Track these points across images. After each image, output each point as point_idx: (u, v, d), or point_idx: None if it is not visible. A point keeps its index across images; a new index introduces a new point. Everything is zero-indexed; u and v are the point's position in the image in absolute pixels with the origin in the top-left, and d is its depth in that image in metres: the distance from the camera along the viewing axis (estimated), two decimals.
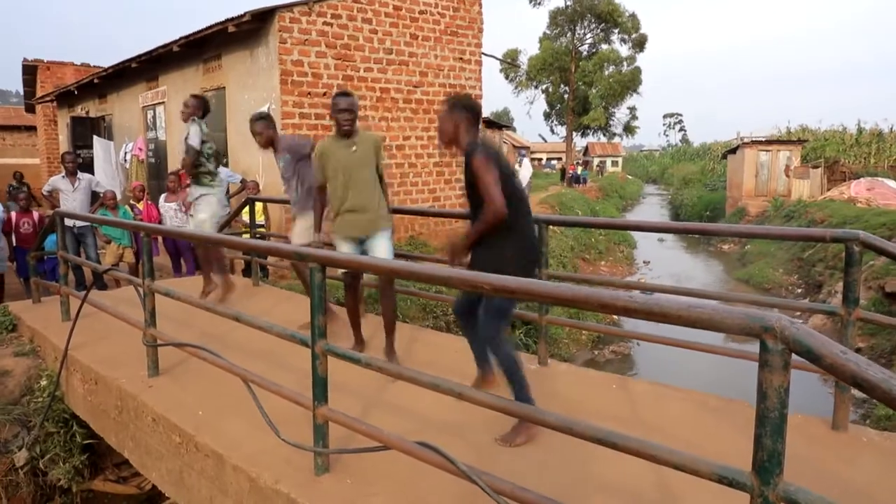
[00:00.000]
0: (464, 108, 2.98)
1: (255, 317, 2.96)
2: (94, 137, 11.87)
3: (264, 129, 4.63)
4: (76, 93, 13.90)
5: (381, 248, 3.89)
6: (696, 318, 1.47)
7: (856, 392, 3.05)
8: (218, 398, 3.40)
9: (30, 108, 19.80)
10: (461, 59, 10.38)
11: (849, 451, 2.73)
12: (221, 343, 4.29)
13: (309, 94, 8.45)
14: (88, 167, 12.61)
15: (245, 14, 7.73)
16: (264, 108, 8.36)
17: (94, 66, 17.28)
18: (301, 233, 4.58)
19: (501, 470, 2.58)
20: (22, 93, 20.12)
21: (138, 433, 3.59)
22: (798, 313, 9.30)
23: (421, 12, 9.74)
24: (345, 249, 3.87)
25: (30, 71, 17.87)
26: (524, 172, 19.62)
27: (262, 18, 8.02)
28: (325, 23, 8.50)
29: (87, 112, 14.16)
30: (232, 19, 7.91)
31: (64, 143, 15.05)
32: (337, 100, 3.75)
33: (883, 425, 5.65)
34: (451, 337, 4.87)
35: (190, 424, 3.15)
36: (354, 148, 3.80)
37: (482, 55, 10.87)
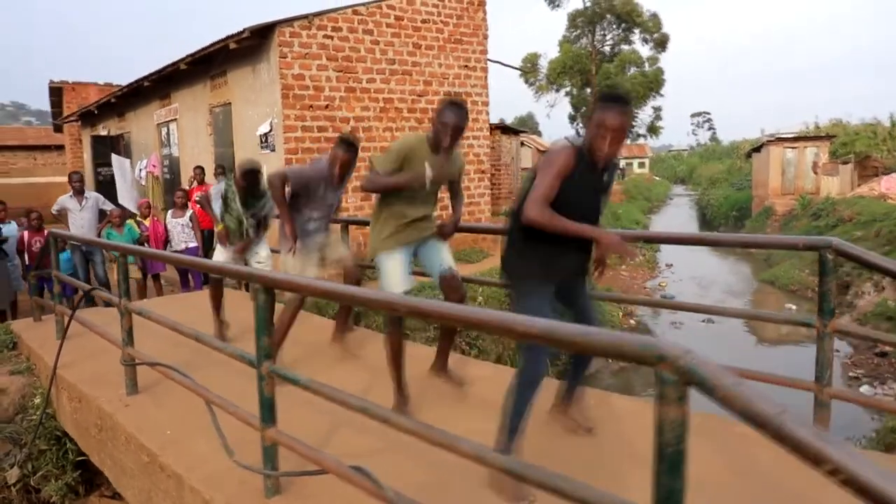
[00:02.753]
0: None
1: (212, 338, 2.94)
2: (112, 155, 12.14)
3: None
4: (97, 112, 14.26)
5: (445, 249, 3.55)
6: (593, 344, 1.38)
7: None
8: (189, 418, 3.38)
9: (58, 129, 20.40)
10: (466, 66, 10.33)
11: None
12: (210, 361, 4.29)
13: (311, 107, 8.49)
14: (109, 185, 12.91)
15: (244, 31, 7.81)
16: (265, 125, 8.43)
17: (117, 86, 17.71)
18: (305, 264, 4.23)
19: (458, 492, 2.51)
20: (50, 112, 20.72)
21: (115, 452, 3.60)
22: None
23: (423, 21, 9.73)
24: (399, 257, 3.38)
25: (56, 92, 18.41)
26: None
27: (262, 34, 8.10)
28: (325, 36, 8.54)
29: (108, 131, 14.50)
30: (232, 36, 8.01)
31: (88, 161, 15.44)
32: (447, 113, 3.17)
33: None
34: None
35: (156, 444, 3.14)
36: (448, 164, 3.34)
37: (488, 62, 10.80)
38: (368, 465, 2.69)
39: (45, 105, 19.74)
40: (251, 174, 4.62)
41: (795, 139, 21.97)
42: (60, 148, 22.14)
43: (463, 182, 3.58)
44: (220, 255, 4.84)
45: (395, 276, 3.29)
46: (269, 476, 2.52)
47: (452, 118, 3.15)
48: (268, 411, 2.47)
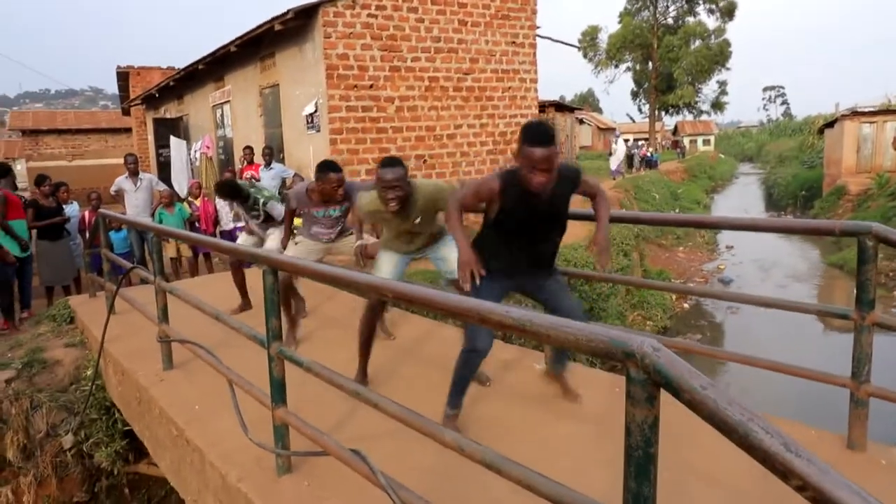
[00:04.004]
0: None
1: (229, 316, 3.01)
2: (171, 137, 12.57)
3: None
4: (158, 96, 14.76)
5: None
6: (562, 338, 1.31)
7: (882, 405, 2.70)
8: (217, 394, 3.47)
9: (126, 112, 21.28)
10: (514, 42, 10.11)
11: (858, 474, 2.42)
12: (243, 339, 4.40)
13: (355, 86, 8.52)
14: (169, 166, 13.41)
15: (289, 11, 7.87)
16: (311, 106, 8.51)
17: (178, 69, 18.31)
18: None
19: (463, 479, 2.49)
20: (118, 97, 21.62)
21: (151, 423, 3.76)
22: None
23: None
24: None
25: (123, 77, 19.17)
26: (618, 153, 20.23)
27: (307, 14, 8.14)
28: (369, 15, 8.51)
29: (169, 113, 15.02)
30: (277, 17, 8.09)
31: (151, 143, 16.06)
32: (382, 172, 3.17)
33: None
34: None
35: (184, 418, 3.26)
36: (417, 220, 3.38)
37: (537, 37, 10.54)
38: (381, 446, 2.72)
39: (117, 90, 20.61)
40: (224, 188, 4.82)
41: (874, 113, 20.57)
42: (129, 131, 23.13)
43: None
44: (241, 238, 5.13)
45: (383, 268, 3.52)
46: (279, 455, 2.57)
47: (387, 175, 3.13)
48: (278, 391, 2.51)
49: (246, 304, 5.33)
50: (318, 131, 8.51)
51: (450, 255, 3.53)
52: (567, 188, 2.82)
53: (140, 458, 5.12)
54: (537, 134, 2.57)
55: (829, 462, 2.60)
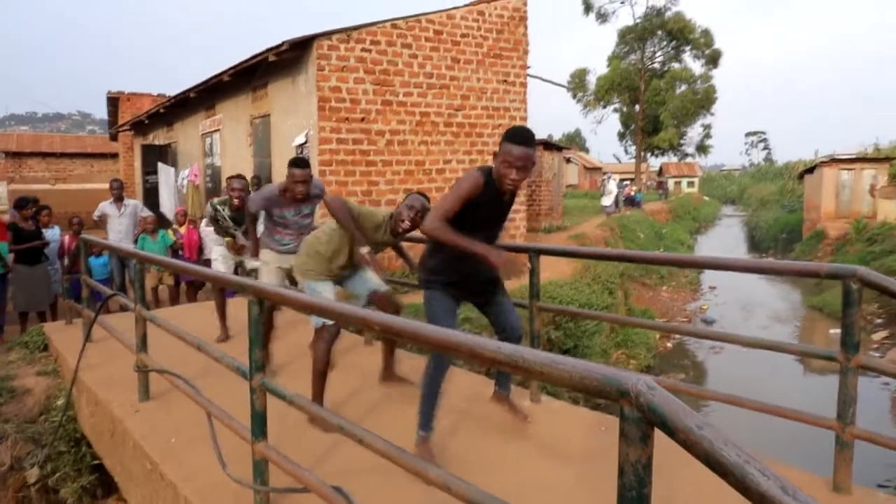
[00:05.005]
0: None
1: (211, 346, 2.94)
2: (159, 164, 12.53)
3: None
4: (147, 122, 14.77)
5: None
6: (557, 374, 1.29)
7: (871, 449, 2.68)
8: (194, 427, 3.38)
9: (114, 137, 21.25)
10: (505, 81, 10.28)
11: None
12: (224, 370, 4.33)
13: (347, 119, 8.57)
14: (155, 193, 13.34)
15: (284, 43, 7.95)
16: (301, 137, 8.54)
17: (170, 97, 18.39)
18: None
19: None
20: (107, 122, 21.59)
21: (124, 457, 3.64)
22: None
23: (463, 36, 9.73)
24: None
25: (113, 102, 19.19)
26: (610, 194, 21.35)
27: (301, 47, 8.23)
28: (363, 49, 8.62)
29: (158, 140, 15.01)
30: (272, 48, 8.16)
31: (138, 169, 15.99)
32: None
33: None
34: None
35: (158, 452, 3.15)
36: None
37: (529, 77, 10.73)
38: (364, 482, 2.65)
39: (106, 115, 20.63)
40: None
41: (852, 161, 21.10)
42: (116, 156, 23.04)
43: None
44: (221, 265, 5.22)
45: (325, 295, 3.54)
46: (258, 491, 2.49)
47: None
48: (258, 425, 2.43)
49: (224, 335, 5.27)
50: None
51: (369, 273, 3.73)
52: (513, 200, 2.95)
53: (109, 493, 4.94)
54: (518, 133, 2.67)
55: None
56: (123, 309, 6.86)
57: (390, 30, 8.99)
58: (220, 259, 5.34)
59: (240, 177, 5.03)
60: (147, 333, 3.79)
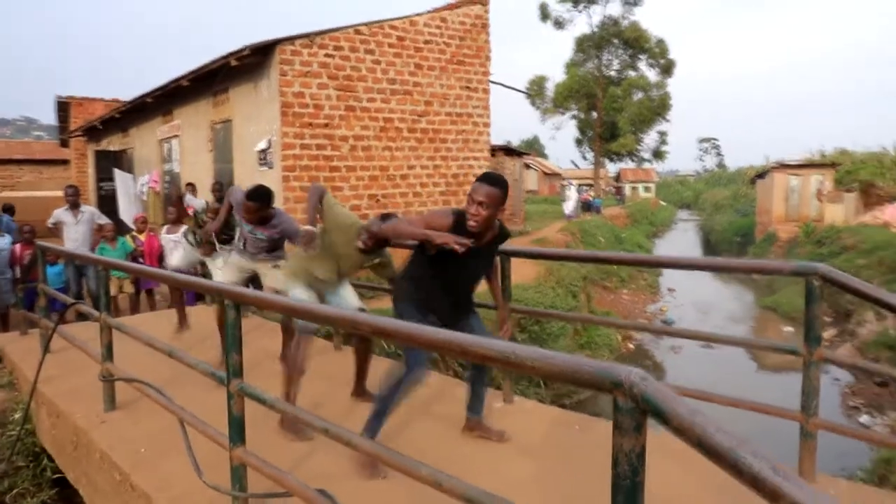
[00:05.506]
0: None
1: (184, 353, 2.89)
2: (115, 170, 12.19)
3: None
4: (101, 128, 14.37)
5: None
6: (549, 369, 1.32)
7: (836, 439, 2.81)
8: (164, 435, 3.31)
9: (64, 143, 20.57)
10: (468, 87, 10.37)
11: None
12: (197, 377, 4.25)
13: (310, 125, 8.51)
14: (111, 200, 12.95)
15: (246, 48, 7.86)
16: (263, 142, 8.45)
17: (123, 102, 17.90)
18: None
19: None
20: (57, 127, 20.91)
21: (89, 469, 3.53)
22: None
23: (426, 42, 9.79)
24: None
25: (63, 107, 18.58)
26: (571, 199, 22.20)
27: (263, 52, 8.15)
28: (326, 55, 8.59)
29: (112, 146, 14.60)
30: (234, 53, 8.06)
31: (91, 175, 15.51)
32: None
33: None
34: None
35: (128, 462, 3.08)
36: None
37: (491, 83, 10.84)
38: (344, 485, 2.63)
39: (55, 120, 19.94)
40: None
41: (800, 166, 21.95)
42: (66, 162, 22.30)
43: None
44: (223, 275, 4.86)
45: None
46: (236, 497, 2.45)
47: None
48: (236, 431, 2.40)
49: (182, 323, 5.34)
50: (271, 168, 8.43)
51: (348, 292, 3.74)
52: (498, 244, 3.05)
53: None
54: (486, 174, 2.82)
55: None
56: (81, 318, 6.68)
57: (353, 35, 8.97)
58: (222, 269, 5.03)
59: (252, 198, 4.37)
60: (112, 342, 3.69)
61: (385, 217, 3.34)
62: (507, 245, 3.37)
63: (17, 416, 4.58)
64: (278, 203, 8.20)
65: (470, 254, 2.85)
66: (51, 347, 4.53)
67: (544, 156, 68.32)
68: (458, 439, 3.27)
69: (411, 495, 2.62)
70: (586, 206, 27.57)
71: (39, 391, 4.22)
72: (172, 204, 5.05)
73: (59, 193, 21.48)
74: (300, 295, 3.48)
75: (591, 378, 1.25)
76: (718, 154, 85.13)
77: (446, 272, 2.92)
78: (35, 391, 4.23)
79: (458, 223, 2.78)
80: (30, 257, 7.13)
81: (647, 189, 58.31)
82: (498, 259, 3.35)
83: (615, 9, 34.81)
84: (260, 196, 4.05)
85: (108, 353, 3.67)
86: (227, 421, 2.41)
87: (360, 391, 3.89)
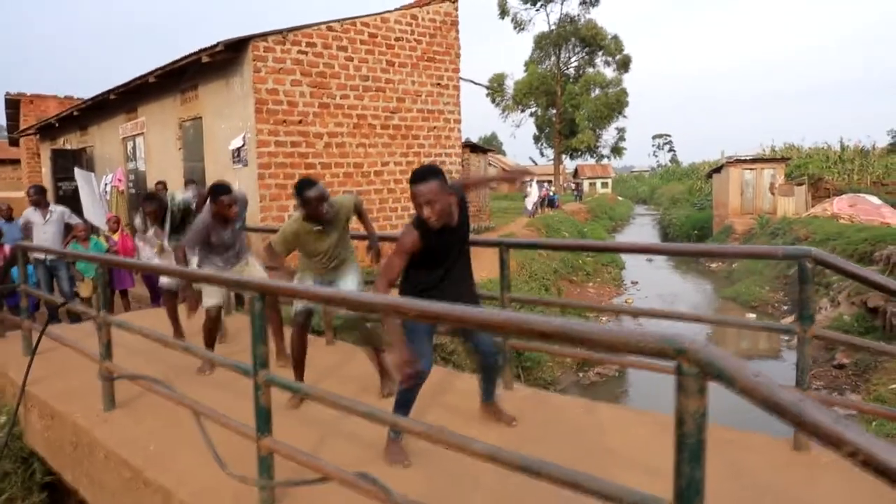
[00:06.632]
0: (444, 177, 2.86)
1: (203, 349, 2.90)
2: (76, 170, 11.83)
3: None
4: (57, 125, 13.91)
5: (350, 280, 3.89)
6: (612, 341, 1.42)
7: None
8: (172, 431, 3.31)
9: (14, 142, 19.80)
10: (439, 84, 10.45)
11: (807, 471, 2.67)
12: (189, 374, 4.25)
13: (284, 122, 8.46)
14: (71, 200, 12.55)
15: (218, 44, 7.76)
16: (238, 140, 8.36)
17: (78, 99, 17.33)
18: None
19: (454, 501, 2.52)
20: (5, 126, 20.11)
21: (92, 469, 3.49)
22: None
23: (397, 39, 9.83)
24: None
25: (13, 105, 17.90)
26: (532, 195, 22.76)
27: (235, 48, 8.06)
28: (299, 51, 8.55)
29: (69, 144, 14.15)
30: (206, 49, 7.95)
31: (47, 175, 15.00)
32: (306, 192, 3.51)
33: None
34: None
35: (140, 459, 3.06)
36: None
37: (460, 80, 10.95)
38: (372, 470, 2.69)
39: (2, 118, 19.21)
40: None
41: (753, 161, 22.78)
42: (16, 162, 21.48)
43: (364, 210, 3.97)
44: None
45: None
46: (264, 487, 2.48)
47: (314, 193, 3.48)
48: (264, 421, 2.44)
49: (178, 335, 5.14)
50: (246, 165, 8.35)
51: (349, 281, 3.82)
52: (465, 206, 3.03)
53: None
54: (415, 173, 2.79)
55: (779, 462, 2.85)
56: (52, 319, 6.51)
57: (326, 32, 8.95)
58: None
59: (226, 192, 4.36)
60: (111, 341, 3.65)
61: (306, 185, 3.50)
62: (507, 238, 3.48)
63: (1, 419, 4.47)
64: (254, 202, 8.16)
65: (449, 239, 2.92)
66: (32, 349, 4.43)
67: (503, 153, 68.93)
68: (463, 428, 3.35)
69: (436, 482, 2.70)
70: (547, 202, 28.15)
71: (29, 393, 4.13)
72: (151, 209, 4.88)
73: (12, 194, 20.69)
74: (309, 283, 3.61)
75: (656, 347, 1.35)
76: (671, 150, 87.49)
77: (437, 268, 2.94)
78: (24, 393, 4.14)
79: (423, 229, 2.80)
80: (5, 258, 6.91)
81: (604, 185, 59.55)
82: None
83: (572, 7, 35.39)
84: (227, 185, 4.24)
85: (107, 352, 3.63)
86: (254, 411, 2.45)
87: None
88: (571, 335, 1.48)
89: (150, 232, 5.32)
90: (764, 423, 3.54)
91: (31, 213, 7.09)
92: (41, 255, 6.91)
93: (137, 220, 5.45)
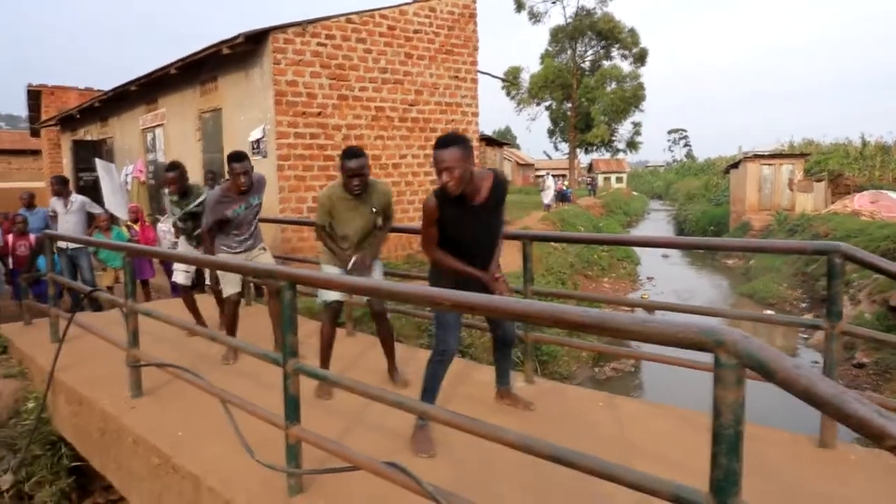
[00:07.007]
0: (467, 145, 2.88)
1: (230, 337, 2.94)
2: (97, 160, 11.96)
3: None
4: (78, 117, 14.07)
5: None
6: (649, 332, 1.43)
7: None
8: (199, 419, 3.36)
9: (35, 133, 20.04)
10: (456, 77, 10.44)
11: (835, 469, 2.66)
12: (211, 363, 4.31)
13: (304, 113, 8.50)
14: (91, 190, 12.71)
15: (239, 36, 7.81)
16: (258, 131, 8.42)
17: (97, 91, 17.49)
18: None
19: (480, 490, 2.54)
20: (27, 117, 20.36)
21: (120, 455, 3.55)
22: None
23: (415, 31, 9.82)
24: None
25: (34, 96, 18.11)
26: (549, 189, 23.12)
27: (256, 40, 8.10)
28: (319, 43, 8.57)
29: (90, 135, 14.31)
30: (226, 41, 8.00)
31: (67, 166, 15.19)
32: (346, 162, 3.53)
33: None
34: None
35: (168, 445, 3.11)
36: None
37: (478, 73, 10.93)
38: (399, 459, 2.72)
39: (14, 109, 19.56)
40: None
41: (771, 156, 22.51)
42: (37, 153, 21.76)
43: (391, 210, 3.89)
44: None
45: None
46: (292, 474, 2.52)
47: (353, 164, 3.49)
48: (292, 409, 2.48)
49: (201, 325, 5.20)
50: (265, 157, 8.40)
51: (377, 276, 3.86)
52: (501, 193, 3.03)
53: (84, 496, 4.78)
54: (439, 140, 2.81)
55: (805, 459, 2.84)
56: (76, 307, 6.61)
57: (345, 24, 8.97)
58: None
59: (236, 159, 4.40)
60: (137, 328, 3.71)
61: (349, 153, 3.51)
62: (530, 231, 3.49)
63: (30, 405, 4.57)
64: (273, 193, 8.22)
65: (471, 214, 2.92)
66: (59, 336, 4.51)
67: (517, 146, 68.72)
68: (483, 418, 3.37)
69: (461, 470, 2.73)
70: (560, 196, 28.15)
71: (58, 379, 4.20)
72: (172, 176, 4.86)
73: (32, 184, 20.92)
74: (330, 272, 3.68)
75: (694, 338, 1.36)
76: (687, 145, 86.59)
77: (463, 239, 2.96)
78: (52, 380, 4.22)
79: (443, 198, 2.86)
80: (25, 248, 7.03)
81: (619, 179, 59.12)
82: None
83: (589, 1, 35.09)
84: (242, 154, 4.22)
85: (135, 340, 3.69)
86: (283, 400, 2.48)
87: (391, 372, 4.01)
88: (609, 326, 1.49)
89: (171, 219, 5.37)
90: (779, 421, 3.52)
91: (55, 202, 7.20)
92: (62, 245, 7.02)
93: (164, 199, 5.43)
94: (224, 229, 4.39)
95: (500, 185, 3.02)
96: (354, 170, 3.49)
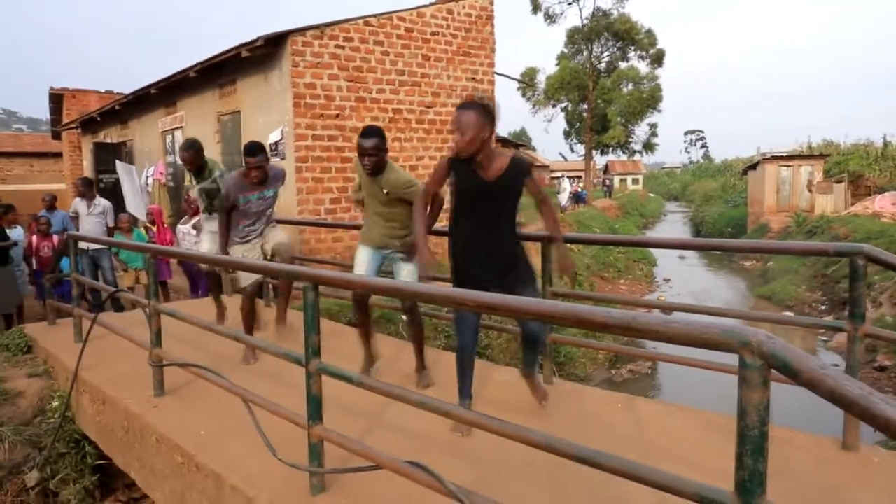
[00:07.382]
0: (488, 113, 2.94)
1: (254, 338, 2.98)
2: (117, 162, 12.14)
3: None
4: (99, 119, 14.28)
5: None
6: (673, 333, 1.44)
7: None
8: (221, 418, 3.41)
9: (56, 136, 20.36)
10: (474, 79, 10.46)
11: (858, 471, 2.64)
12: (231, 363, 4.36)
13: (322, 115, 8.57)
14: (111, 192, 12.89)
15: (258, 39, 7.89)
16: (276, 133, 8.49)
17: (117, 94, 17.74)
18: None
19: (499, 491, 2.55)
20: (49, 120, 20.69)
21: (143, 453, 3.61)
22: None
23: (433, 33, 9.85)
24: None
25: (56, 99, 18.40)
26: (565, 192, 23.55)
27: (274, 43, 8.17)
28: (337, 45, 8.63)
29: (110, 138, 14.51)
30: (245, 44, 8.08)
31: (88, 168, 15.41)
32: (359, 140, 3.63)
33: None
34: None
35: (191, 444, 3.16)
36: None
37: (495, 75, 10.94)
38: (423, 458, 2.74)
39: (36, 112, 19.94)
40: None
41: (790, 157, 22.29)
42: (58, 155, 22.08)
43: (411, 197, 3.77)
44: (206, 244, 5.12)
45: (359, 263, 3.85)
46: (315, 473, 2.55)
47: (367, 143, 3.55)
48: (315, 409, 2.51)
49: (221, 316, 5.31)
50: (283, 159, 8.47)
51: (406, 272, 3.86)
52: (516, 177, 3.00)
53: (107, 494, 4.86)
54: (461, 104, 2.99)
55: (828, 461, 2.82)
56: (95, 307, 6.72)
57: (363, 27, 9.02)
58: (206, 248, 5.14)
59: (250, 153, 4.41)
60: (161, 328, 3.76)
61: (365, 133, 3.60)
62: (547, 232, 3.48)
63: (55, 404, 4.65)
64: (291, 195, 8.30)
65: (479, 187, 2.95)
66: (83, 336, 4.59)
67: (532, 148, 68.57)
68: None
69: (482, 470, 2.74)
70: (576, 198, 28.04)
71: (82, 378, 4.28)
72: (187, 155, 4.89)
73: (54, 186, 21.18)
74: (362, 256, 3.80)
75: (719, 339, 1.37)
76: (704, 146, 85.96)
77: (471, 211, 3.03)
78: (76, 379, 4.29)
79: (453, 161, 3.00)
80: (49, 249, 7.15)
81: (635, 181, 58.76)
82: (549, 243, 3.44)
83: (605, 2, 34.94)
84: (258, 147, 4.24)
85: (158, 339, 3.75)
86: (306, 399, 2.51)
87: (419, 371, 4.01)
88: (633, 327, 1.50)
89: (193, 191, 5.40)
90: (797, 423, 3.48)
91: (78, 203, 7.32)
92: (84, 245, 7.13)
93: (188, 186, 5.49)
94: (236, 220, 4.42)
95: (516, 167, 2.99)
96: (366, 149, 3.55)
